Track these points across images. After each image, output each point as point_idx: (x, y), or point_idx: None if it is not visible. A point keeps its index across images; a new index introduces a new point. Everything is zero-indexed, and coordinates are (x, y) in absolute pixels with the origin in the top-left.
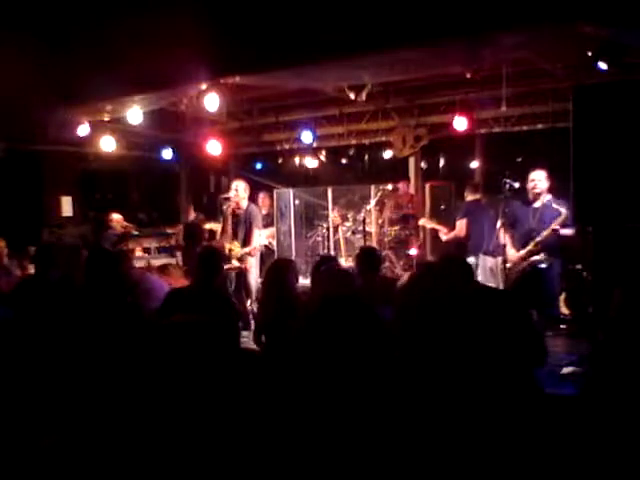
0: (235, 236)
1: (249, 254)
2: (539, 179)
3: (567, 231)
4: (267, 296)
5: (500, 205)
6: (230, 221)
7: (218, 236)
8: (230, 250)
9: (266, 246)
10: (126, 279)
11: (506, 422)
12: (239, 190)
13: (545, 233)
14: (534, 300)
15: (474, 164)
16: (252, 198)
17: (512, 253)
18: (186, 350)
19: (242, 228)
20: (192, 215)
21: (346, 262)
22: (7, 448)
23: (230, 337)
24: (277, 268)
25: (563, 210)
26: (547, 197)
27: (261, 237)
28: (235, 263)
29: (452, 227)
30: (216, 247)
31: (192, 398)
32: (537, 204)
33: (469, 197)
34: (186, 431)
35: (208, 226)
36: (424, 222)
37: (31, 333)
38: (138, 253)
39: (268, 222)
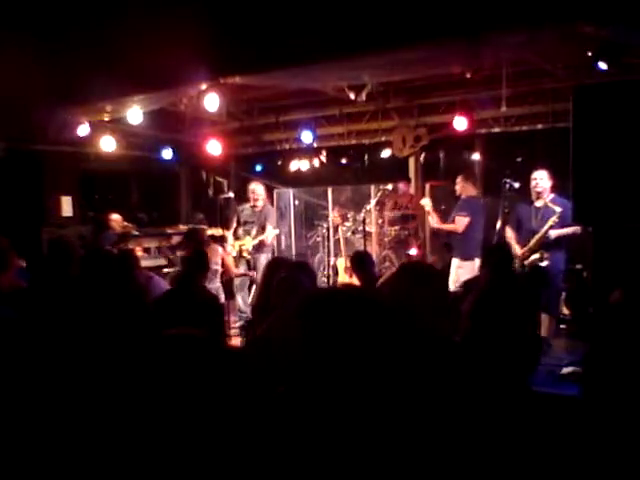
0: (248, 233)
1: (261, 244)
2: (541, 178)
3: (563, 231)
4: (258, 290)
5: (500, 205)
6: (243, 222)
7: (230, 239)
8: (241, 246)
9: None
10: (133, 282)
11: (499, 422)
12: (257, 192)
13: (540, 234)
14: (539, 301)
15: (475, 156)
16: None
17: (516, 249)
18: (185, 362)
19: (257, 226)
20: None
21: (346, 262)
22: (8, 448)
23: (220, 347)
24: (270, 265)
25: (557, 209)
26: (550, 196)
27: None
28: (246, 256)
29: (447, 221)
30: (129, 250)
31: (191, 408)
32: (539, 203)
33: (472, 192)
34: (184, 437)
35: (210, 232)
36: (424, 202)
37: (39, 334)
38: (138, 253)
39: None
